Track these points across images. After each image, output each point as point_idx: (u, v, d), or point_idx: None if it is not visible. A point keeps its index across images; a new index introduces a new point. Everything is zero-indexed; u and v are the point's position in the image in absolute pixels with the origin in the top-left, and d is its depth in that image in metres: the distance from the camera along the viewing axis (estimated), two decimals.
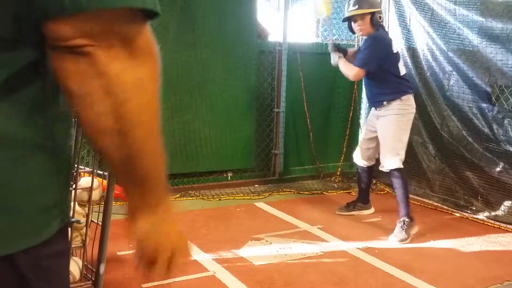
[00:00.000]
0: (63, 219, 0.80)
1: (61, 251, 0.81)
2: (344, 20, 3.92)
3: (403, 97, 3.72)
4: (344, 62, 3.82)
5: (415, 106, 3.81)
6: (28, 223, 0.73)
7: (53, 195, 0.76)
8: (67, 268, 0.90)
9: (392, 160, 3.70)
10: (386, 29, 4.06)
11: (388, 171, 3.74)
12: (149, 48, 0.73)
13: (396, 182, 3.71)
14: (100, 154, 0.77)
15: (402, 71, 3.77)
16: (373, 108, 3.93)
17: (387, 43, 3.72)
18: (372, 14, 3.69)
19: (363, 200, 4.22)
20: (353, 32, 3.94)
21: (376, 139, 3.89)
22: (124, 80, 0.69)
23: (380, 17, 3.74)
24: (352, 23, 3.79)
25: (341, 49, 3.95)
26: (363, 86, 5.22)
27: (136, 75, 0.70)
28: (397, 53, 3.79)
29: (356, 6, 3.70)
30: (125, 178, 0.80)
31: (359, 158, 4.04)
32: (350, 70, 3.74)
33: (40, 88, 0.73)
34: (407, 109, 3.74)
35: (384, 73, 3.70)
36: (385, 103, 3.74)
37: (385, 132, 3.76)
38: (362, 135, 4.09)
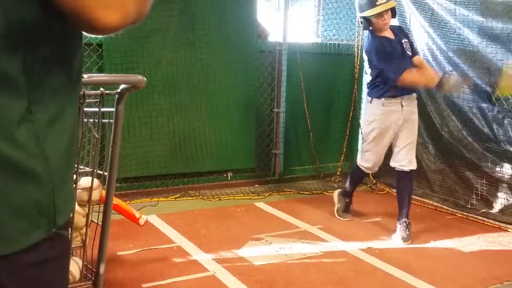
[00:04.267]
0: (50, 229, 0.78)
1: (50, 258, 0.79)
2: (372, 16, 3.59)
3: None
4: (415, 72, 3.62)
5: None
6: (5, 229, 0.72)
7: (36, 203, 0.75)
8: (60, 274, 0.86)
9: (415, 159, 3.71)
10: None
11: (408, 170, 3.66)
12: None
13: (409, 183, 3.69)
14: None
15: None
16: (386, 101, 3.65)
17: None
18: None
19: (349, 196, 4.15)
20: (366, 29, 3.74)
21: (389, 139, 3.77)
22: None
23: None
24: (375, 18, 3.59)
25: None
26: (363, 87, 5.25)
27: None
28: None
29: None
30: None
31: (377, 165, 3.89)
32: (428, 71, 3.67)
33: (25, 89, 0.72)
34: None
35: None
36: (414, 94, 3.70)
37: (413, 132, 3.71)
38: (375, 137, 3.76)
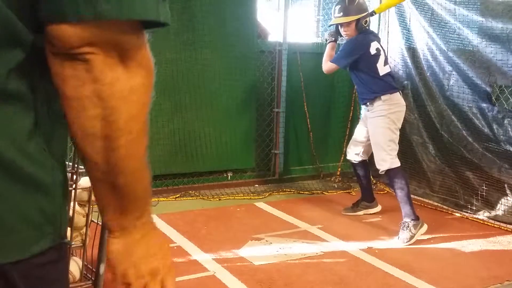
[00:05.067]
0: (55, 238, 0.80)
1: (55, 259, 0.82)
2: (330, 25, 4.13)
3: (383, 97, 3.77)
4: (329, 50, 4.05)
5: (402, 103, 3.85)
6: (17, 237, 0.75)
7: (44, 213, 0.78)
8: (64, 273, 0.90)
9: (385, 161, 3.73)
10: (373, 29, 4.22)
11: (383, 172, 3.78)
12: (145, 62, 0.76)
13: (394, 182, 3.72)
14: (84, 161, 0.77)
15: (382, 71, 3.81)
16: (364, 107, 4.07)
17: (363, 45, 3.81)
18: (357, 20, 3.80)
19: (367, 199, 4.21)
20: (341, 35, 4.03)
21: (367, 135, 3.94)
22: (116, 89, 0.72)
23: (365, 21, 3.86)
24: (339, 27, 3.94)
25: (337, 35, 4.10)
26: None
27: (128, 85, 0.73)
28: (376, 54, 3.80)
29: (341, 14, 3.82)
30: (104, 190, 0.79)
31: (352, 153, 4.09)
32: (325, 62, 4.04)
33: (32, 105, 0.75)
34: (391, 109, 3.77)
35: (360, 74, 3.85)
36: (368, 103, 3.86)
37: (374, 135, 3.83)
38: (355, 129, 4.19)
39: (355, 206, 4.22)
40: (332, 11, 3.94)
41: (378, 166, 3.79)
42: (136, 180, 0.79)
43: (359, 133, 4.06)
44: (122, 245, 0.82)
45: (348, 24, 3.83)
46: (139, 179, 0.79)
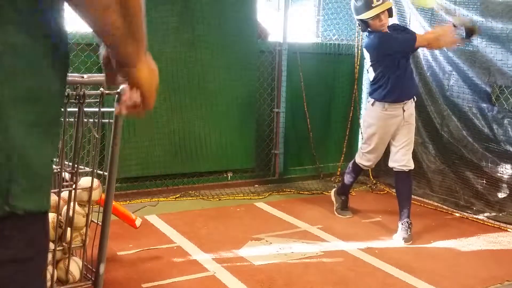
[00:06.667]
0: (2, 206, 0.75)
1: (17, 258, 0.76)
2: (369, 18, 3.58)
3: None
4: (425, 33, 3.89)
5: None
6: None
7: None
8: (30, 279, 0.81)
9: (411, 160, 3.71)
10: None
11: (408, 170, 3.69)
12: None
13: (409, 183, 3.73)
14: (104, 32, 0.97)
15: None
16: (388, 106, 3.65)
17: None
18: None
19: (346, 194, 4.21)
20: (364, 30, 3.75)
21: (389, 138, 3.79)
22: None
23: None
24: (372, 20, 3.58)
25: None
26: (363, 87, 5.25)
27: None
28: None
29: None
30: (127, 41, 1.00)
31: (376, 161, 3.95)
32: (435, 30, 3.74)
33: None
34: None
35: (410, 67, 3.76)
36: (410, 99, 3.72)
37: (413, 129, 3.75)
38: (376, 140, 3.78)
39: (345, 206, 4.19)
40: (361, 4, 3.58)
41: (410, 165, 3.68)
42: (143, 26, 1.01)
43: (389, 139, 3.79)
44: (146, 68, 1.10)
45: (384, 12, 3.57)
46: (143, 25, 1.01)
